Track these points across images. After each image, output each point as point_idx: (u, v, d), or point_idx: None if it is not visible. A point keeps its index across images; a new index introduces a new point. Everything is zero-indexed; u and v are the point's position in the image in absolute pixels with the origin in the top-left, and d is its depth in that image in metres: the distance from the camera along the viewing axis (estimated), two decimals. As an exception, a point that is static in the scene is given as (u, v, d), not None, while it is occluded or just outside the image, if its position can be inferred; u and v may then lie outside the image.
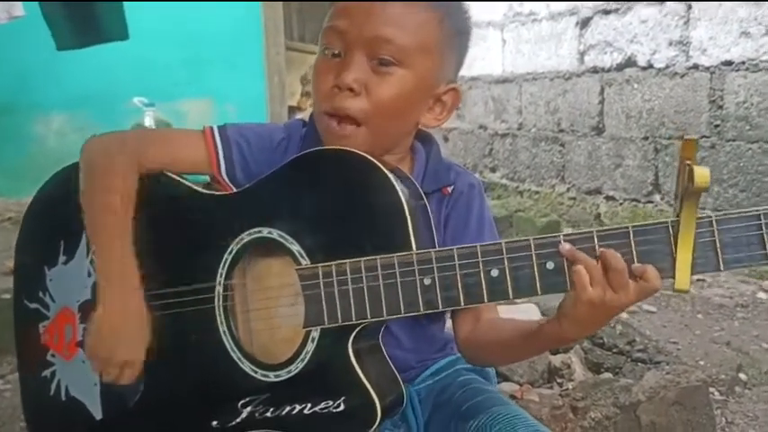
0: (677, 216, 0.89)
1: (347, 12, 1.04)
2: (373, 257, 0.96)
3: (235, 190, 1.10)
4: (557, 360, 1.94)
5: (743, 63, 3.40)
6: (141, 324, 1.05)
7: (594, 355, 2.00)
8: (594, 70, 4.25)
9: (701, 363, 2.43)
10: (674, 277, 0.89)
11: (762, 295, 3.13)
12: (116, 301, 1.04)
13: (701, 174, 0.84)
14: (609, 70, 4.15)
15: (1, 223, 3.76)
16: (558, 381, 1.90)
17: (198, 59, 4.54)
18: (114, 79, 4.20)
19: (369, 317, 0.97)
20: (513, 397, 1.73)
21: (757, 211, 0.88)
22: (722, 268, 0.89)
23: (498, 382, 1.57)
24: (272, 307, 1.04)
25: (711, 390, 2.12)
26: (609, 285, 0.89)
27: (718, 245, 0.88)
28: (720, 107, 3.52)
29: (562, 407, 1.65)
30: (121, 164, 1.07)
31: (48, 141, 4.49)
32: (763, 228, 0.88)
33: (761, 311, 2.96)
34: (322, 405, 0.98)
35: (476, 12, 5.01)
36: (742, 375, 2.35)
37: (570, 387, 1.81)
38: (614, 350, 2.01)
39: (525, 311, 1.98)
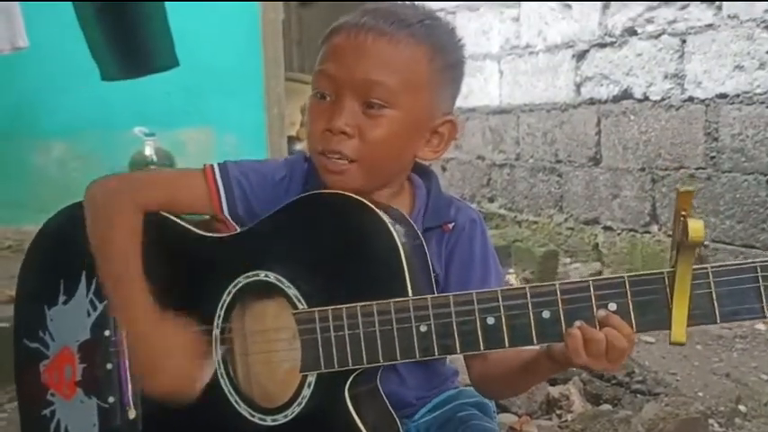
0: (673, 266, 0.89)
1: (336, 55, 1.05)
2: (369, 303, 0.96)
3: (237, 228, 1.10)
4: (555, 391, 1.94)
5: (737, 96, 3.44)
6: (175, 340, 1.05)
7: (593, 387, 2.01)
8: (591, 102, 4.29)
9: (700, 394, 2.42)
10: (670, 329, 0.89)
11: (761, 326, 3.13)
12: (144, 325, 1.04)
13: (696, 228, 0.84)
14: (605, 102, 4.19)
15: (0, 251, 3.76)
16: (557, 412, 1.90)
17: (198, 89, 4.57)
18: (114, 108, 4.23)
19: (365, 362, 0.97)
20: (512, 429, 1.72)
21: (754, 263, 0.88)
22: (719, 321, 0.89)
23: (497, 413, 1.56)
24: (270, 350, 1.04)
25: (711, 421, 2.11)
26: (605, 357, 0.91)
27: (714, 296, 0.88)
28: (716, 139, 3.55)
29: (561, 439, 1.65)
30: (125, 204, 1.09)
31: (47, 170, 4.50)
32: (760, 280, 0.87)
33: (759, 342, 2.96)
34: None
35: (473, 44, 5.07)
36: (741, 407, 2.34)
37: (569, 418, 1.81)
38: (613, 381, 2.01)
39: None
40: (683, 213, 0.87)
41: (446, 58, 1.09)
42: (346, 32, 1.05)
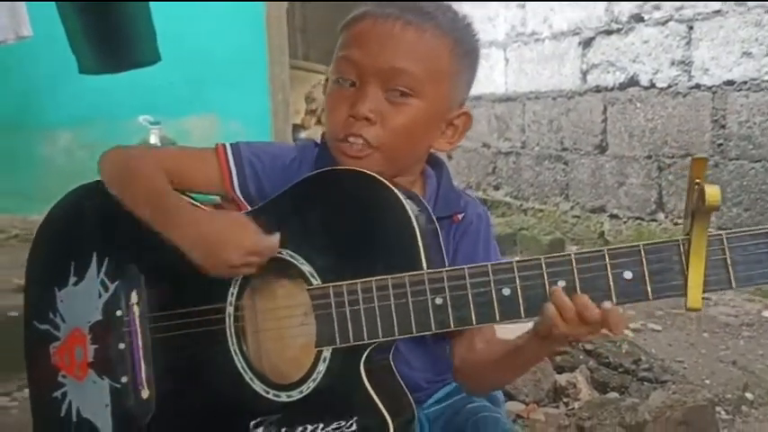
0: (687, 234, 0.90)
1: (361, 41, 1.05)
2: (384, 277, 0.97)
3: (248, 207, 1.11)
4: (562, 379, 1.95)
5: (745, 83, 3.42)
6: (232, 213, 1.06)
7: (600, 375, 2.01)
8: (597, 89, 4.27)
9: (707, 382, 2.42)
10: (686, 295, 0.90)
11: (767, 314, 3.13)
12: (200, 216, 1.06)
13: (713, 192, 0.85)
14: (612, 89, 4.17)
15: (7, 240, 3.78)
16: (564, 400, 1.90)
17: (202, 77, 4.57)
18: (119, 97, 4.23)
19: (380, 336, 0.98)
20: (519, 416, 1.73)
21: (766, 228, 0.89)
22: (734, 286, 0.90)
23: (505, 402, 1.57)
24: (282, 327, 1.05)
25: (717, 409, 2.11)
26: (581, 324, 0.91)
27: (729, 262, 0.89)
28: (723, 126, 3.53)
29: (568, 426, 1.65)
30: (150, 162, 1.11)
31: (54, 159, 4.51)
32: None
33: (766, 330, 2.95)
34: (334, 425, 0.99)
35: (479, 31, 5.04)
36: (748, 395, 2.34)
37: (576, 406, 1.81)
38: (620, 369, 2.01)
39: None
40: (698, 181, 0.87)
41: (466, 50, 1.10)
42: (371, 20, 1.05)
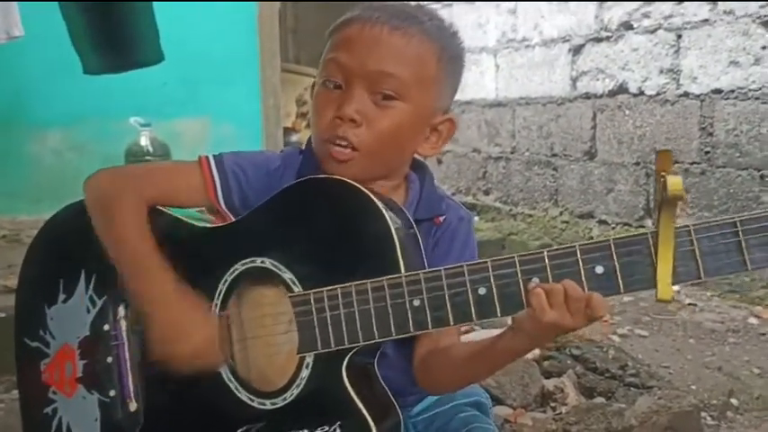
0: (656, 227, 0.91)
1: (349, 45, 1.06)
2: (363, 281, 0.98)
3: (232, 218, 1.11)
4: (550, 384, 1.96)
5: (732, 91, 3.45)
6: (197, 304, 1.05)
7: (587, 380, 2.02)
8: (587, 96, 4.30)
9: (693, 387, 2.44)
10: (656, 287, 0.91)
11: (753, 320, 3.15)
12: (161, 298, 1.04)
13: (674, 182, 0.87)
14: (601, 96, 4.20)
15: (-5, 241, 3.75)
16: (552, 405, 1.91)
17: (194, 79, 4.56)
18: (110, 98, 4.21)
19: (361, 340, 0.99)
20: (506, 421, 1.74)
21: (733, 218, 0.90)
22: (703, 277, 0.91)
23: (492, 407, 1.58)
24: (267, 335, 1.05)
25: (703, 415, 2.13)
26: (567, 310, 0.91)
27: (697, 254, 0.91)
28: (711, 134, 3.57)
29: (555, 431, 1.67)
30: (129, 199, 1.09)
31: (43, 159, 4.48)
32: (740, 234, 0.89)
33: (752, 336, 2.98)
34: (318, 431, 1.00)
35: (469, 37, 5.07)
36: (733, 400, 2.36)
37: (563, 411, 1.82)
38: (607, 375, 2.03)
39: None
40: (663, 173, 0.89)
41: (451, 57, 1.12)
42: (360, 24, 1.06)
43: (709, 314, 3.24)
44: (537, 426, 1.68)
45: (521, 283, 0.95)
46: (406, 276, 0.97)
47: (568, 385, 1.94)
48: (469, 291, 0.96)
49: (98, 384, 1.12)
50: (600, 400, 1.93)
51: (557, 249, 0.95)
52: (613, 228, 4.18)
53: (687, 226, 0.91)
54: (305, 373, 1.01)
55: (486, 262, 0.96)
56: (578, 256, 0.93)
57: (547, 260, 0.94)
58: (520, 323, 0.96)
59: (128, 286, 1.08)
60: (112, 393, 1.12)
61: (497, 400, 1.84)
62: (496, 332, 1.02)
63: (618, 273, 0.92)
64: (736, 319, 3.17)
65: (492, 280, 0.95)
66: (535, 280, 0.94)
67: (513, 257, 0.95)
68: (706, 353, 2.80)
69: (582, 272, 0.93)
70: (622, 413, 1.74)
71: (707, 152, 3.59)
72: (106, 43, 2.58)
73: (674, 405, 1.80)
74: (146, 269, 1.05)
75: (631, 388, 1.95)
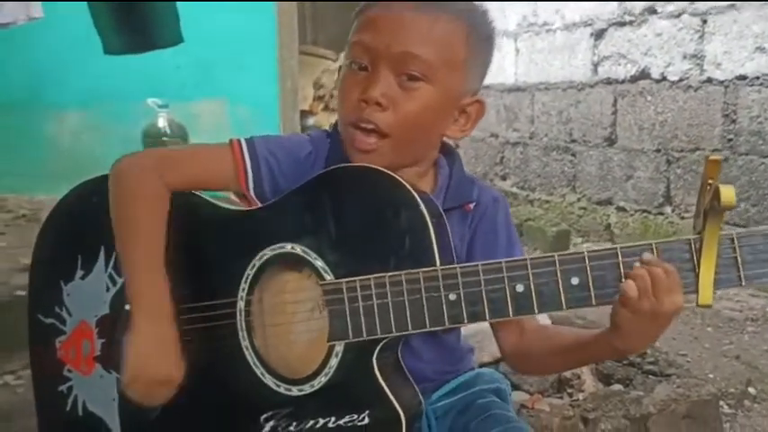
0: (698, 233, 0.92)
1: (374, 26, 1.04)
2: (398, 273, 0.97)
3: (259, 204, 1.10)
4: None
5: (757, 78, 3.40)
6: (171, 348, 1.03)
7: (605, 367, 2.00)
8: (608, 81, 4.25)
9: (711, 376, 2.43)
10: (696, 292, 0.91)
11: (772, 310, 3.13)
12: (146, 325, 1.03)
13: (728, 193, 0.86)
14: (622, 82, 4.15)
15: (15, 220, 3.78)
16: (569, 391, 1.90)
17: (211, 61, 4.56)
18: (128, 79, 4.22)
19: (394, 331, 0.98)
20: (523, 406, 1.73)
21: None
22: (743, 284, 0.92)
23: (510, 393, 1.57)
24: (291, 322, 1.04)
25: (721, 403, 2.12)
26: (654, 295, 0.90)
27: (739, 261, 0.91)
28: (734, 121, 3.52)
29: (572, 417, 1.65)
30: (152, 187, 1.07)
31: (61, 140, 4.51)
32: None
33: (771, 326, 2.96)
34: (346, 419, 0.99)
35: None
36: (751, 389, 2.35)
37: (581, 398, 1.81)
38: (625, 362, 2.01)
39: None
40: (711, 181, 0.89)
41: (481, 37, 1.09)
42: (386, 5, 1.04)
43: (727, 303, 3.22)
44: (554, 411, 1.67)
45: (560, 282, 0.94)
46: (442, 270, 0.96)
47: (586, 372, 1.92)
48: (507, 287, 0.95)
49: (117, 364, 1.10)
50: (617, 387, 1.91)
51: (597, 250, 0.94)
52: (632, 215, 4.14)
53: (730, 234, 0.91)
54: (334, 361, 0.99)
55: (526, 259, 0.95)
56: (619, 258, 0.93)
57: (587, 260, 0.93)
58: (612, 319, 0.95)
59: (125, 284, 1.07)
60: None
61: (514, 386, 1.83)
62: None
63: None
64: (755, 308, 3.15)
65: (531, 278, 0.94)
66: (574, 280, 0.93)
67: (554, 256, 0.95)
68: (724, 341, 2.78)
69: (623, 273, 0.93)
70: (640, 401, 1.72)
71: (729, 139, 3.55)
72: (127, 24, 2.61)
73: (692, 393, 1.78)
74: (144, 283, 1.04)
75: (649, 376, 1.93)
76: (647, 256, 0.92)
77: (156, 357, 1.02)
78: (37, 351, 1.19)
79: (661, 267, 0.91)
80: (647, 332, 0.95)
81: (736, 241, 0.91)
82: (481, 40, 1.09)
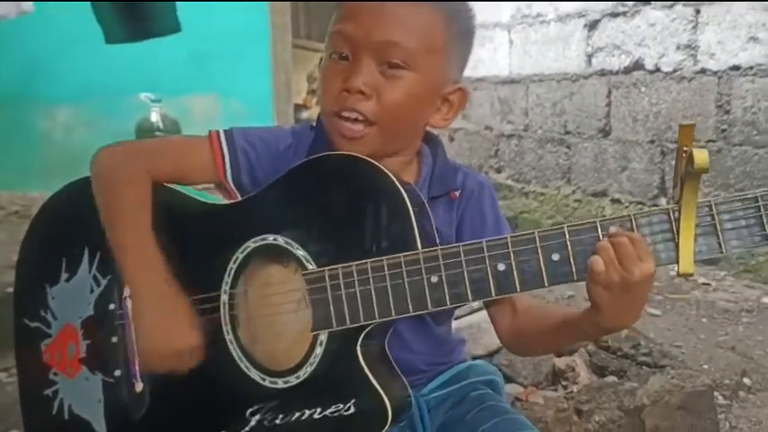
0: (677, 203, 0.91)
1: (354, 15, 1.04)
2: (380, 258, 0.96)
3: (239, 196, 1.10)
4: (561, 362, 1.94)
5: (751, 68, 3.39)
6: (184, 308, 1.04)
7: (599, 358, 2.00)
8: (602, 73, 4.24)
9: (706, 367, 2.43)
10: (678, 262, 0.91)
11: (766, 300, 3.13)
12: (148, 301, 1.03)
13: (701, 155, 0.85)
14: (616, 73, 4.15)
15: (7, 217, 3.78)
16: (563, 383, 1.90)
17: (204, 55, 4.54)
18: (120, 73, 4.21)
19: (377, 317, 0.97)
20: (517, 399, 1.73)
21: (755, 193, 0.90)
22: (724, 251, 0.91)
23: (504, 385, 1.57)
24: (276, 314, 1.04)
25: (715, 394, 2.12)
26: (621, 265, 0.90)
27: (718, 228, 0.91)
28: (727, 112, 3.52)
29: (567, 409, 1.65)
30: (135, 173, 1.08)
31: (54, 135, 4.50)
32: (762, 209, 0.90)
33: (766, 316, 2.96)
34: (332, 409, 0.99)
35: (483, 13, 5.00)
36: (746, 380, 2.35)
37: (575, 390, 1.81)
38: (619, 353, 2.01)
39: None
40: (686, 148, 0.88)
41: (460, 24, 1.09)
42: None
43: (722, 293, 3.22)
44: (548, 404, 1.66)
45: (541, 259, 0.93)
46: (423, 253, 0.96)
47: (580, 364, 1.92)
48: (489, 267, 0.95)
49: (102, 365, 1.11)
50: (612, 378, 1.91)
51: (576, 224, 0.94)
52: (626, 207, 4.14)
53: (708, 201, 0.90)
54: (318, 351, 0.99)
55: (506, 237, 0.95)
56: (599, 231, 0.92)
57: (567, 235, 0.93)
58: (591, 298, 0.94)
59: (120, 273, 1.07)
60: (117, 373, 1.10)
61: (508, 379, 1.83)
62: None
63: None
64: (750, 299, 3.15)
65: (512, 256, 0.94)
66: (555, 256, 0.93)
67: (534, 233, 0.94)
68: (719, 332, 2.78)
69: None
70: (634, 392, 1.72)
71: (723, 130, 3.54)
72: (127, 13, 2.65)
73: (686, 384, 1.78)
74: (140, 261, 1.04)
75: (644, 367, 1.93)
76: (612, 229, 0.92)
77: (164, 331, 1.02)
78: (22, 355, 1.18)
79: (625, 236, 0.90)
80: (625, 305, 0.94)
81: (714, 208, 0.90)
82: (461, 27, 1.09)
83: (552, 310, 1.13)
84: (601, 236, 0.92)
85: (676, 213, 0.90)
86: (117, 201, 1.07)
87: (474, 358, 1.43)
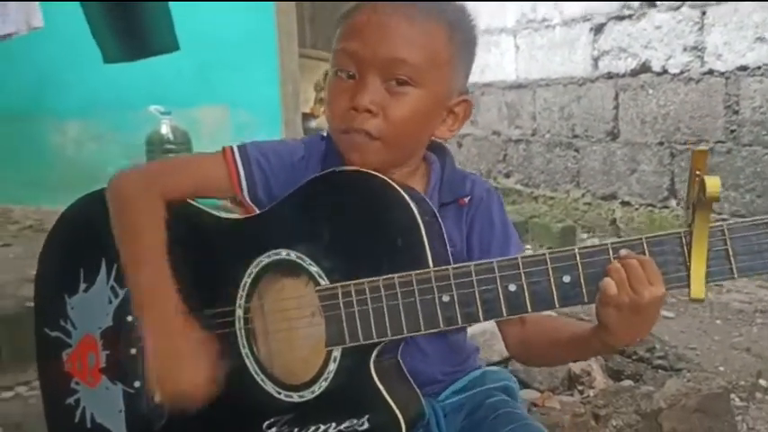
0: (689, 226, 0.91)
1: (359, 33, 1.04)
2: (391, 276, 0.97)
3: (257, 210, 1.10)
4: (577, 367, 1.94)
5: (758, 68, 3.39)
6: (194, 345, 1.03)
7: (615, 362, 2.00)
8: (609, 76, 4.24)
9: (721, 369, 2.42)
10: (689, 286, 0.91)
11: (780, 301, 3.12)
12: (161, 329, 1.03)
13: (713, 183, 0.86)
14: (623, 76, 4.15)
15: (22, 231, 3.80)
16: (579, 388, 1.90)
17: (212, 66, 4.56)
18: (129, 87, 4.23)
19: (389, 334, 0.98)
20: (534, 404, 1.73)
21: (765, 219, 0.91)
22: (736, 276, 0.91)
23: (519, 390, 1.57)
24: (291, 328, 1.05)
25: (732, 396, 2.11)
26: (631, 287, 0.91)
27: (731, 253, 0.91)
28: (736, 112, 3.51)
29: (584, 414, 1.65)
30: (150, 195, 1.08)
31: (65, 149, 4.52)
32: None
33: (780, 317, 2.95)
34: (346, 424, 1.00)
35: (488, 18, 5.02)
36: (762, 381, 2.34)
37: (591, 394, 1.81)
38: (634, 357, 2.01)
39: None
40: (698, 173, 0.88)
41: (463, 36, 1.10)
42: (368, 11, 1.04)
43: (736, 295, 3.21)
44: (565, 409, 1.67)
45: (552, 281, 0.94)
46: (435, 272, 0.96)
47: (595, 368, 1.92)
48: (500, 287, 0.95)
49: (122, 375, 1.12)
50: (628, 382, 1.91)
51: (588, 247, 0.94)
52: (636, 209, 4.13)
53: (721, 225, 0.91)
54: (332, 366, 1.00)
55: (517, 258, 0.96)
56: (610, 254, 0.93)
57: (578, 257, 0.94)
58: (597, 317, 0.95)
59: (132, 300, 1.08)
60: (137, 384, 1.11)
61: (524, 384, 1.83)
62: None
63: None
64: (764, 300, 3.14)
65: (523, 277, 0.95)
66: (566, 278, 0.93)
67: (545, 255, 0.95)
68: (733, 334, 2.77)
69: None
70: (651, 396, 1.72)
71: (732, 131, 3.54)
72: (124, 33, 2.66)
73: (703, 387, 1.78)
74: (152, 293, 1.04)
75: (659, 370, 1.93)
76: (623, 252, 0.92)
77: (173, 372, 1.02)
78: (44, 365, 1.20)
79: (636, 259, 0.91)
80: (633, 326, 0.95)
81: (726, 233, 0.90)
82: (464, 39, 1.10)
83: (561, 324, 1.13)
84: (612, 259, 0.92)
85: (688, 237, 0.91)
86: (132, 225, 1.07)
87: (489, 364, 1.43)
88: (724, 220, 0.92)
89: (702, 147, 0.89)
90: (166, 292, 1.04)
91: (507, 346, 1.16)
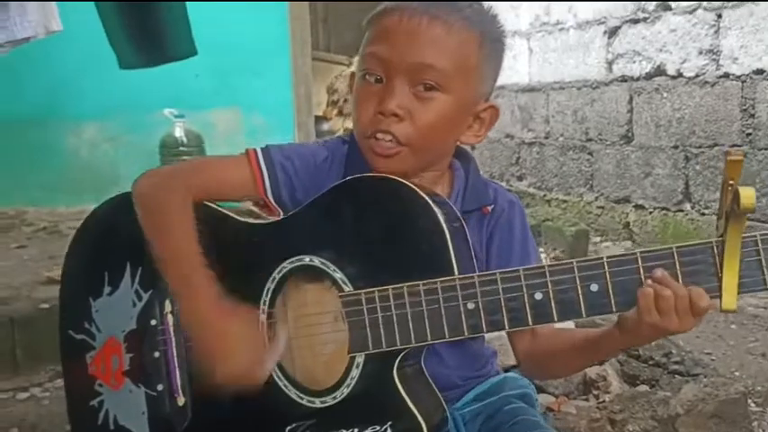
0: (721, 236, 0.90)
1: (388, 37, 1.04)
2: (416, 283, 0.97)
3: (281, 211, 1.11)
4: (592, 372, 1.93)
5: (775, 71, 3.37)
6: (249, 325, 1.03)
7: (630, 367, 1.99)
8: (623, 79, 4.23)
9: (737, 374, 2.40)
10: (720, 297, 0.90)
11: (796, 306, 3.09)
12: (210, 312, 1.02)
13: (747, 195, 0.84)
14: (638, 79, 4.13)
15: (36, 233, 3.82)
16: (594, 393, 1.89)
17: (225, 70, 4.58)
18: (143, 89, 4.24)
19: (413, 341, 0.98)
20: (549, 409, 1.73)
21: None
22: None
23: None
24: (313, 334, 1.05)
25: (748, 401, 2.09)
26: (676, 312, 0.90)
27: (764, 263, 0.89)
28: (752, 116, 3.48)
29: (600, 419, 1.65)
30: (177, 196, 1.09)
31: (80, 152, 4.55)
32: None
33: (796, 322, 2.92)
34: (369, 430, 1.00)
35: (502, 21, 5.01)
36: (779, 387, 2.32)
37: (607, 399, 1.80)
38: (650, 362, 2.00)
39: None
40: (731, 182, 0.87)
41: (493, 44, 1.10)
42: (398, 15, 1.04)
43: (751, 299, 3.18)
44: (581, 414, 1.66)
45: (579, 289, 0.93)
46: (460, 279, 0.96)
47: (611, 373, 1.91)
48: (526, 295, 0.94)
49: (145, 378, 1.13)
50: (644, 387, 1.90)
51: (616, 256, 0.93)
52: (650, 212, 4.11)
53: (754, 236, 0.89)
54: (355, 372, 1.00)
55: (544, 267, 0.95)
56: (639, 263, 0.92)
57: (606, 266, 0.93)
58: (625, 325, 0.95)
59: (174, 297, 1.08)
60: (160, 388, 1.12)
61: (539, 389, 1.83)
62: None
63: (680, 280, 0.91)
64: (780, 305, 3.11)
65: (549, 285, 0.94)
66: (593, 287, 0.93)
67: (572, 263, 0.94)
68: (749, 339, 2.75)
69: (642, 279, 0.92)
70: (668, 401, 1.71)
71: (748, 134, 3.51)
72: (141, 39, 2.64)
73: (720, 393, 1.76)
74: (192, 284, 1.04)
75: (676, 375, 1.92)
76: (657, 273, 0.91)
77: (234, 349, 1.01)
78: (69, 366, 1.21)
79: (671, 289, 0.90)
80: (651, 337, 0.97)
81: (760, 243, 0.89)
82: (493, 45, 1.10)
83: (571, 332, 1.13)
84: (641, 268, 0.91)
85: (720, 247, 0.89)
86: (162, 219, 1.08)
87: (506, 369, 1.43)
88: (752, 233, 0.90)
89: (737, 155, 0.87)
90: (207, 278, 1.04)
91: (517, 359, 1.15)
